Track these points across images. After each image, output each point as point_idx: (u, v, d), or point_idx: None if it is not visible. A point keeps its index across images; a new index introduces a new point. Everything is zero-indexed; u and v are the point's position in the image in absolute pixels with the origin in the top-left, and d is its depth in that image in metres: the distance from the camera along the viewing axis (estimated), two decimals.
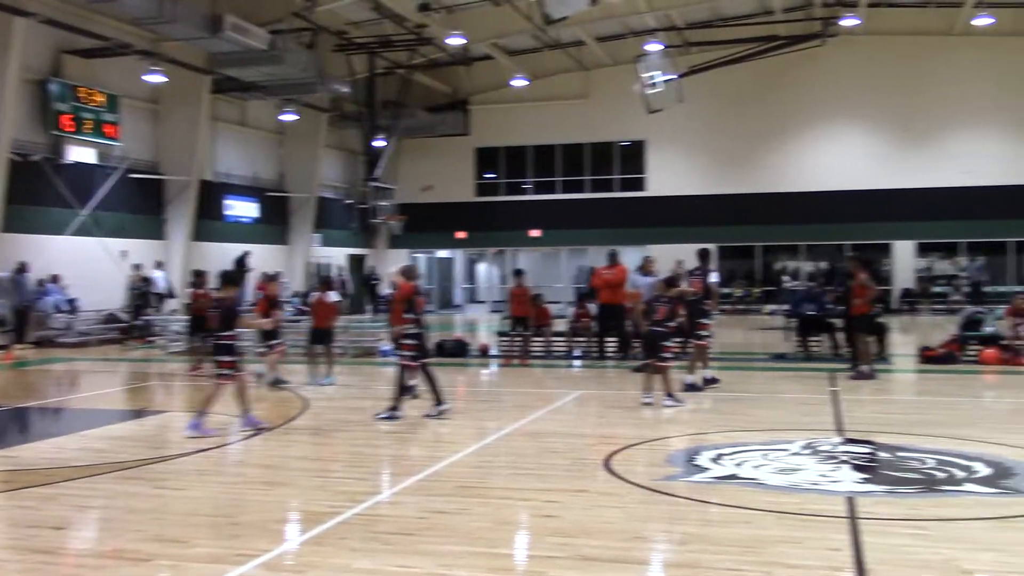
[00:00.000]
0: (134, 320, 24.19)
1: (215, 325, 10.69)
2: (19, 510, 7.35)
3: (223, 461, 9.42)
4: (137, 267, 25.54)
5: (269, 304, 14.59)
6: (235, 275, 12.08)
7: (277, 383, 14.22)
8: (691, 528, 6.58)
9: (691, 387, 13.52)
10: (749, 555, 5.87)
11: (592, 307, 19.02)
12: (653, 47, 29.72)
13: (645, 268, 17.09)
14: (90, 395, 14.93)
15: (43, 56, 23.35)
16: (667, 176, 37.59)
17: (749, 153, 36.62)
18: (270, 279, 15.79)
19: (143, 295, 24.88)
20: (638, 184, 38.30)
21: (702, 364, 14.18)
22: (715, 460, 8.69)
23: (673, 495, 7.44)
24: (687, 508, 7.12)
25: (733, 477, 8.06)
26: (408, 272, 12.33)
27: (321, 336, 15.31)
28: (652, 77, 26.88)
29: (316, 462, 9.17)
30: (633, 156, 38.47)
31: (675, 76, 27.43)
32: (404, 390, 11.77)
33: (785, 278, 35.38)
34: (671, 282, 12.93)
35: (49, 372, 17.99)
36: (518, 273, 19.65)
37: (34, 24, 21.11)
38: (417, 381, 12.13)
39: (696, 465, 8.54)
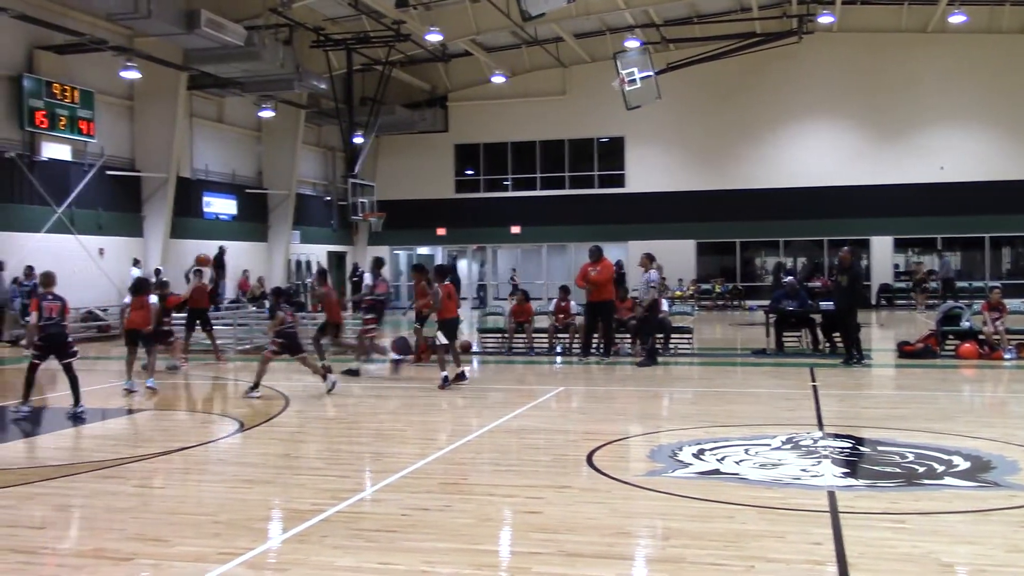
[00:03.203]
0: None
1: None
2: (0, 510, 7.28)
3: (204, 459, 9.36)
4: (136, 262, 25.76)
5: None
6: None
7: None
8: (674, 523, 6.60)
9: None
10: (731, 549, 5.90)
11: (574, 303, 19.08)
12: (631, 44, 29.81)
13: (644, 264, 17.29)
14: (67, 394, 14.79)
15: (16, 52, 23.13)
16: (646, 172, 37.70)
17: (727, 149, 36.78)
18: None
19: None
20: (617, 180, 38.40)
21: None
22: (697, 455, 8.72)
23: (656, 490, 7.46)
24: (670, 503, 7.14)
25: (715, 472, 8.09)
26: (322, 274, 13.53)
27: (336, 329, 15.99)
28: (631, 74, 26.98)
29: (298, 459, 9.14)
30: (612, 152, 38.56)
31: (653, 73, 27.54)
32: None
33: (781, 273, 35.46)
34: None
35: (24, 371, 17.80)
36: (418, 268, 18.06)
37: (6, 19, 20.90)
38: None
39: (678, 460, 8.56)
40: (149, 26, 23.31)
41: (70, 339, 12.27)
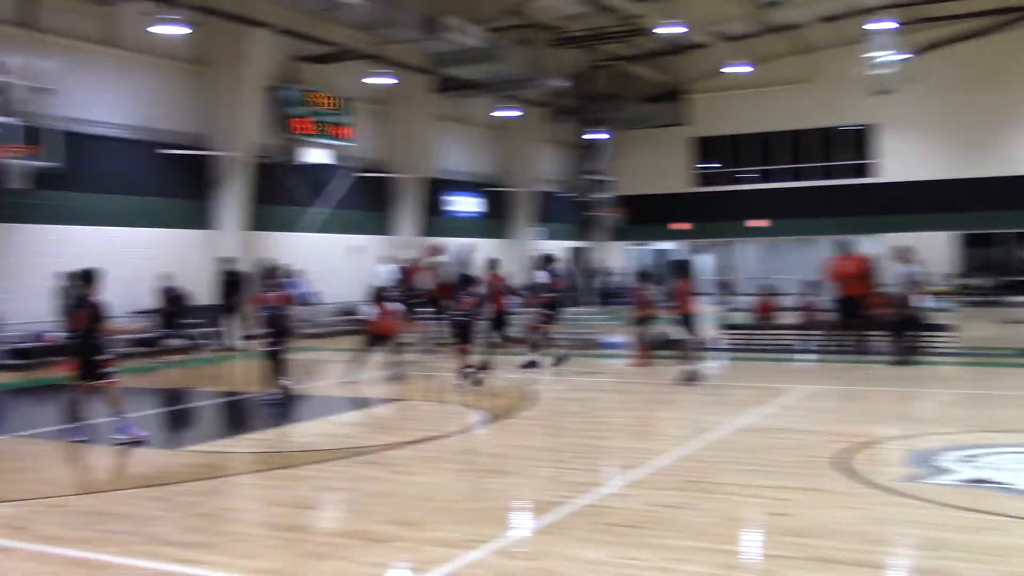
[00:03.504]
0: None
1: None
2: (270, 489, 7.86)
3: (455, 449, 9.71)
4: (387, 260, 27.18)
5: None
6: None
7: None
8: (936, 533, 6.19)
9: None
10: (1002, 565, 5.48)
11: (823, 299, 18.36)
12: (884, 25, 28.25)
13: (901, 257, 16.43)
14: (330, 383, 15.78)
15: (278, 64, 24.85)
16: (901, 160, 35.58)
17: (992, 133, 34.07)
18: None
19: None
20: (869, 170, 36.53)
21: None
22: (961, 461, 8.14)
23: (915, 497, 7.03)
24: (932, 511, 6.70)
25: (982, 481, 7.53)
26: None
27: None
28: (882, 57, 25.56)
29: (544, 452, 9.29)
30: (863, 141, 36.72)
31: (907, 55, 25.96)
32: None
33: None
34: None
35: (293, 361, 19.11)
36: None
37: (269, 34, 22.48)
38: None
39: (939, 466, 8.03)
40: (397, 33, 24.40)
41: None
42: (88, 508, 7.15)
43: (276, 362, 13.08)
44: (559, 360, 16.00)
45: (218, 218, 22.71)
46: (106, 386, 10.02)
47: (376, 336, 15.01)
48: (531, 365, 15.86)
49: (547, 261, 18.18)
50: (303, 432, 10.97)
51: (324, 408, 12.73)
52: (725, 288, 38.92)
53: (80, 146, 19.22)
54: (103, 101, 20.35)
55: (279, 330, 13.17)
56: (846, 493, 7.29)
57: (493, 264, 17.83)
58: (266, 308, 13.36)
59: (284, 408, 12.39)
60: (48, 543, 6.20)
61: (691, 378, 13.52)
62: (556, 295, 17.61)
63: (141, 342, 19.15)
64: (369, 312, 15.26)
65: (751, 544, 6.24)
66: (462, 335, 14.09)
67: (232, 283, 20.56)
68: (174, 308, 19.55)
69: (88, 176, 19.73)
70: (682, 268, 14.81)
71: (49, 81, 17.39)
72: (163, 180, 21.52)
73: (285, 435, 10.71)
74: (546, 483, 7.76)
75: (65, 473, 9.04)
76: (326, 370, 17.14)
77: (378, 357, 15.02)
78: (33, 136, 15.47)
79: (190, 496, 7.50)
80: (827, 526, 6.31)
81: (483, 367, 14.18)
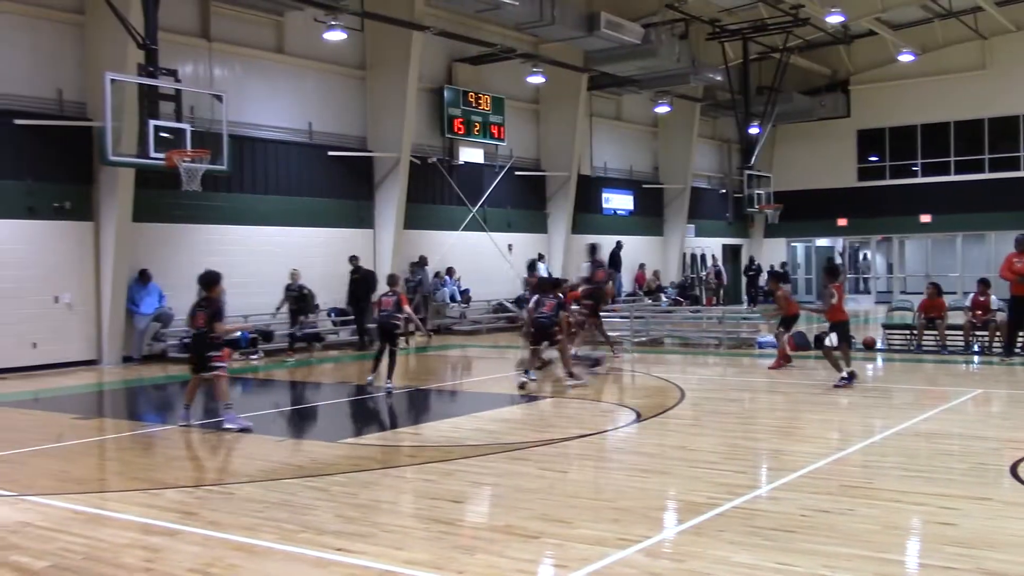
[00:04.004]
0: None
1: None
2: (423, 483, 8.03)
3: (603, 447, 9.68)
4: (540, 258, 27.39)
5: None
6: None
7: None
8: None
9: None
10: None
11: (994, 298, 17.42)
12: None
13: None
14: (481, 379, 16.01)
15: (438, 66, 25.36)
16: None
17: None
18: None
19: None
20: None
21: None
22: None
23: None
24: None
25: None
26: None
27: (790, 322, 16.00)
28: None
29: (693, 452, 9.15)
30: None
31: None
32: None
33: None
34: None
35: (446, 357, 19.53)
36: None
37: (430, 36, 22.98)
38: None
39: None
40: (553, 32, 24.54)
41: (398, 330, 14.28)
42: (250, 496, 7.48)
43: (390, 360, 13.92)
44: (595, 363, 15.54)
45: (378, 217, 23.37)
46: (215, 379, 10.65)
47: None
48: (594, 363, 15.53)
49: (592, 252, 17.80)
50: (457, 427, 11.15)
51: (477, 403, 12.93)
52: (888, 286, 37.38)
53: (251, 149, 20.26)
54: (270, 106, 21.27)
55: (388, 332, 14.02)
56: (1018, 503, 6.90)
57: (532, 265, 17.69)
58: (383, 311, 14.07)
59: (440, 403, 12.65)
60: (214, 528, 6.53)
61: (847, 380, 13.02)
62: (598, 286, 17.07)
63: (301, 337, 19.75)
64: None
65: (912, 553, 5.98)
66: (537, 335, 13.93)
67: (360, 282, 20.27)
68: (300, 305, 19.59)
69: (255, 178, 20.71)
70: (832, 269, 14.08)
71: (220, 88, 18.31)
72: (328, 181, 22.32)
73: (439, 430, 10.92)
74: (695, 483, 7.64)
75: (229, 462, 9.47)
76: (478, 366, 17.39)
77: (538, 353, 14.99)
78: (205, 141, 16.28)
79: (346, 487, 7.74)
80: (996, 537, 5.98)
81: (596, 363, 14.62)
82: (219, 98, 17.08)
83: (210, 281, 10.96)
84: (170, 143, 15.60)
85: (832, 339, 13.34)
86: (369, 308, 19.09)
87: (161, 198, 18.50)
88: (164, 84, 16.11)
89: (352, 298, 20.53)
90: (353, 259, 20.55)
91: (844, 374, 13.10)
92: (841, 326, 13.40)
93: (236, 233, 20.21)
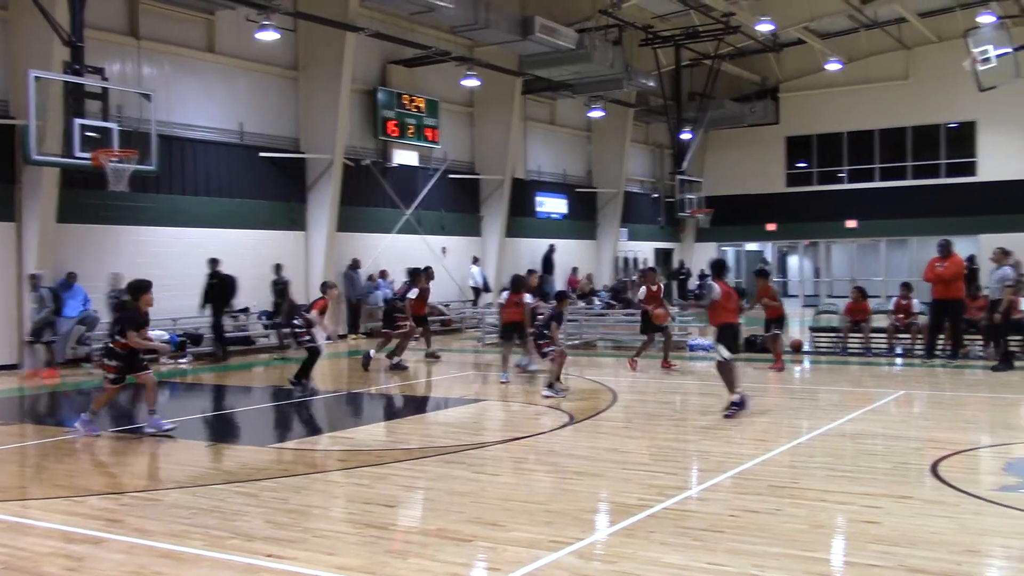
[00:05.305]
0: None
1: None
2: (355, 487, 7.97)
3: (536, 450, 9.71)
4: (475, 261, 27.23)
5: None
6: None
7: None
8: None
9: None
10: None
11: (916, 302, 17.88)
12: (986, 19, 27.35)
13: (1000, 258, 15.92)
14: (417, 383, 15.95)
15: (371, 67, 25.19)
16: (1002, 159, 34.39)
17: None
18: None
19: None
20: (967, 168, 35.38)
21: None
22: None
23: (1013, 507, 6.78)
24: None
25: None
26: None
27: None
28: (984, 52, 24.71)
29: (625, 454, 9.22)
30: (962, 139, 35.58)
31: (1012, 49, 25.07)
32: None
33: None
34: None
35: (379, 360, 19.37)
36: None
37: (363, 38, 22.82)
38: None
39: None
40: (487, 35, 24.56)
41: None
42: (177, 502, 7.35)
43: (309, 359, 14.15)
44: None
45: (310, 219, 23.13)
46: (141, 381, 10.54)
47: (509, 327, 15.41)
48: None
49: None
50: (390, 430, 11.08)
51: (412, 407, 12.87)
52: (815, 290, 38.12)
53: (180, 149, 19.91)
54: (200, 106, 20.93)
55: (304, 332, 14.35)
56: (938, 502, 7.08)
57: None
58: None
59: (373, 407, 12.56)
60: (140, 535, 6.40)
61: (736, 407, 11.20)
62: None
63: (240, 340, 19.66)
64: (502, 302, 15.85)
65: (837, 552, 6.10)
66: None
67: (218, 287, 18.98)
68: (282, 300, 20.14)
69: (185, 179, 20.35)
70: (763, 272, 14.25)
71: (149, 87, 17.96)
72: (259, 183, 22.02)
73: (372, 434, 10.84)
74: (626, 486, 7.70)
75: (156, 468, 9.30)
76: (412, 369, 17.32)
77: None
78: (132, 141, 15.95)
79: (276, 492, 7.65)
80: (917, 535, 6.14)
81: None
82: (147, 97, 16.72)
83: (137, 289, 10.45)
84: (96, 142, 15.21)
85: (722, 351, 11.19)
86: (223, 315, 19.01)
87: (87, 199, 18.09)
88: (90, 82, 15.71)
89: (206, 301, 18.90)
90: (213, 262, 19.07)
91: (735, 398, 11.13)
92: (728, 330, 11.41)
93: (165, 235, 19.83)
